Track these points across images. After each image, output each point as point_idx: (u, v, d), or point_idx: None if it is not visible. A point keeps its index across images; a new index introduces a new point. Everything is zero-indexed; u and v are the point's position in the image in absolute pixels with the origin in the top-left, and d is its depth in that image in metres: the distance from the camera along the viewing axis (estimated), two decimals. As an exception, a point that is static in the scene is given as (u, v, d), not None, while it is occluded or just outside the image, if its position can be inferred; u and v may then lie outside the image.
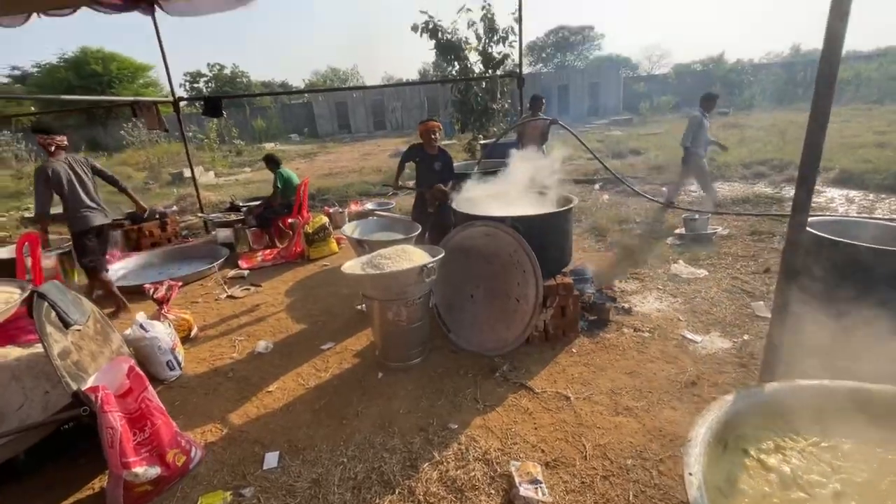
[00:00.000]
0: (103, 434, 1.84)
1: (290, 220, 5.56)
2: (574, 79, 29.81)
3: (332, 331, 3.49)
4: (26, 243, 3.26)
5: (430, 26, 10.74)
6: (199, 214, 6.88)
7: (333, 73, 40.31)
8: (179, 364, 3.00)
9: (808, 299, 3.38)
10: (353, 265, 2.77)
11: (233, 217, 6.11)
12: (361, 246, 3.31)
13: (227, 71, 32.60)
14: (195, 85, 32.53)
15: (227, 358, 3.20)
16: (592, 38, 37.60)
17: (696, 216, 5.01)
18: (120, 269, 5.11)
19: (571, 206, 3.21)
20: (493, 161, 5.43)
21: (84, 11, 5.22)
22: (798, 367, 2.52)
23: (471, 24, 10.62)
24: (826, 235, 3.18)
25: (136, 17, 5.59)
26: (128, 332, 2.81)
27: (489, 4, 10.45)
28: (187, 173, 10.42)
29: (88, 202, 3.85)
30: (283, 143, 23.95)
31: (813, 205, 5.70)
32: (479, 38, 10.82)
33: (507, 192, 3.69)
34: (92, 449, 2.12)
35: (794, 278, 1.59)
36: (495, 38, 10.73)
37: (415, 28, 10.74)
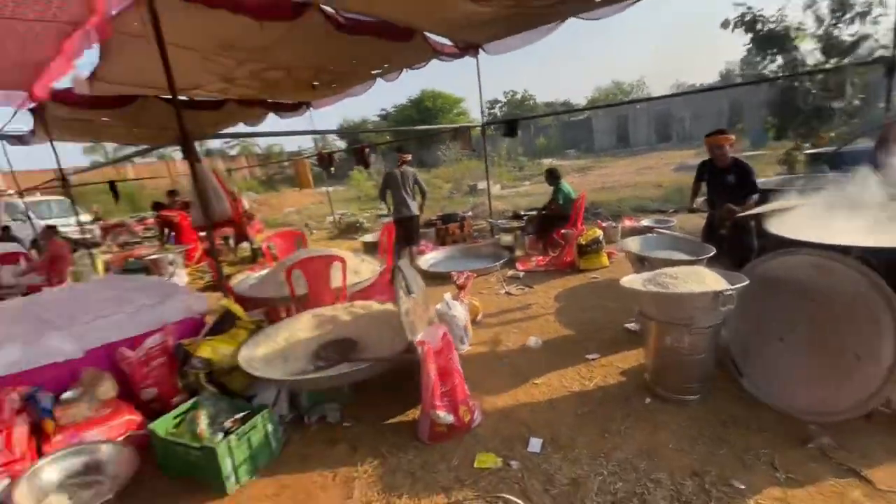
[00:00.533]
0: (423, 378, 2.45)
1: (563, 231, 5.84)
2: None
3: (598, 343, 3.48)
4: (386, 232, 4.62)
5: (748, 18, 9.15)
6: (489, 220, 8.05)
7: (617, 86, 39.43)
8: (468, 340, 3.63)
9: None
10: (632, 280, 2.71)
11: (514, 224, 6.89)
12: (642, 262, 3.19)
13: (517, 96, 36.64)
14: (492, 110, 37.97)
15: (502, 345, 3.66)
16: None
17: None
18: (432, 258, 6.55)
19: None
20: (825, 175, 4.24)
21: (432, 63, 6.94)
22: None
23: (810, 5, 8.49)
24: None
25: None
26: (438, 306, 3.61)
27: (844, -26, 8.12)
28: (481, 185, 12.34)
29: (406, 200, 5.67)
30: (560, 159, 25.10)
31: None
32: (820, 20, 8.54)
33: (854, 214, 2.81)
34: (409, 389, 2.86)
35: None
36: (847, 16, 8.23)
37: (725, 24, 9.39)
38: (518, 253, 6.40)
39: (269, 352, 2.91)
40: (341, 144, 30.43)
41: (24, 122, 6.69)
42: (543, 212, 6.41)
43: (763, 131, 11.80)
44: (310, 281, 3.46)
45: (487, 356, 3.52)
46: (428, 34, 5.74)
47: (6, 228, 8.32)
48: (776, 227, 2.79)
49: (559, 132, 30.97)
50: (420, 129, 15.61)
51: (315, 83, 6.83)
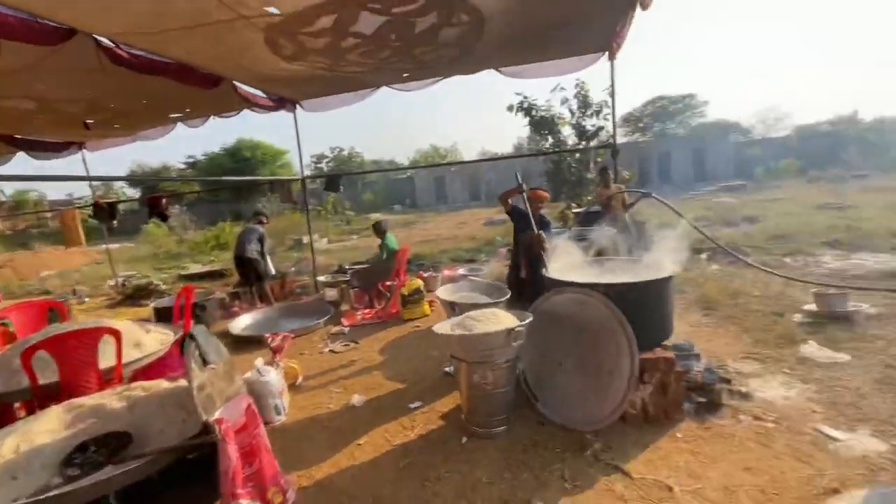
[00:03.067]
0: (221, 462, 2.08)
1: (388, 283, 5.99)
2: (675, 146, 28.84)
3: (421, 391, 3.57)
4: (183, 294, 3.97)
5: (525, 105, 11.46)
6: (314, 276, 7.72)
7: (434, 150, 44.05)
8: (284, 409, 3.29)
9: None
10: (443, 325, 2.90)
11: (340, 278, 6.77)
12: (452, 308, 3.45)
13: (345, 152, 37.47)
14: (318, 165, 37.76)
15: (324, 408, 3.43)
16: (694, 106, 36.43)
17: (832, 290, 4.36)
18: (246, 320, 5.86)
19: (670, 274, 3.05)
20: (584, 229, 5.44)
21: (245, 112, 6.59)
22: None
23: (564, 101, 11.12)
24: None
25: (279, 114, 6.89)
26: (248, 374, 3.20)
27: (583, 82, 10.94)
28: (305, 239, 11.88)
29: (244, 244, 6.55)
30: (387, 213, 26.19)
31: None
32: (572, 112, 11.24)
33: (603, 259, 3.64)
34: (205, 481, 2.39)
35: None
36: (588, 111, 11.05)
37: (510, 108, 11.54)
38: (344, 307, 6.26)
39: (-16, 471, 2.09)
40: (133, 192, 25.83)
41: None
42: (367, 265, 6.50)
43: (544, 194, 14.63)
44: (63, 364, 2.68)
45: (307, 423, 3.23)
46: (238, 84, 5.47)
47: None
48: (551, 272, 3.39)
49: (385, 188, 32.55)
50: (233, 179, 14.40)
51: (89, 120, 5.73)
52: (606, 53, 5.69)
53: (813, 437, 2.54)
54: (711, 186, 21.43)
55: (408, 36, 4.13)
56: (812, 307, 4.40)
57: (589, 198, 11.38)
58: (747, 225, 10.24)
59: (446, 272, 7.35)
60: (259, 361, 3.30)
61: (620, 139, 7.54)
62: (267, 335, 3.74)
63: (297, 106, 6.88)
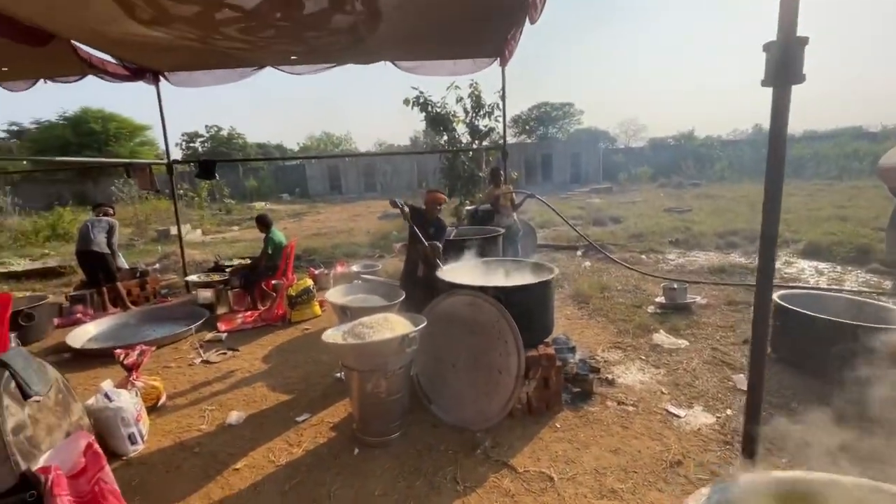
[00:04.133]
0: (48, 522, 1.69)
1: (273, 282, 5.53)
2: (556, 149, 31.59)
3: (310, 401, 3.35)
4: (-4, 304, 3.16)
5: (421, 100, 11.48)
6: (184, 275, 6.80)
7: (328, 137, 42.03)
8: (143, 437, 2.82)
9: (788, 373, 3.40)
10: (334, 334, 2.74)
11: (215, 277, 6.06)
12: (344, 313, 3.29)
13: (223, 132, 33.77)
14: (191, 144, 33.48)
15: (194, 430, 3.02)
16: (572, 114, 40.31)
17: (675, 285, 5.14)
18: (92, 330, 4.92)
19: (552, 276, 3.29)
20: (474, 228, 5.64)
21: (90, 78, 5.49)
22: (784, 446, 2.50)
23: (459, 100, 11.37)
24: (797, 309, 3.28)
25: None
26: (91, 401, 2.67)
27: (476, 83, 11.29)
28: (174, 230, 10.42)
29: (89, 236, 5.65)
30: (274, 203, 24.35)
31: (784, 275, 5.78)
32: (466, 112, 11.55)
33: (490, 262, 3.78)
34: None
35: (764, 353, 1.63)
36: (481, 112, 11.46)
37: (406, 102, 11.46)
38: (221, 310, 5.63)
39: None
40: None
41: None
42: (249, 261, 5.93)
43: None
44: None
45: (172, 450, 2.82)
46: (78, 44, 4.53)
47: None
48: (444, 275, 3.42)
49: (272, 175, 30.19)
50: (78, 161, 12.07)
51: None
52: (499, 59, 5.93)
53: (662, 416, 2.96)
54: (584, 188, 23.97)
55: (295, 17, 3.80)
56: (661, 299, 5.14)
57: (480, 195, 11.89)
58: (613, 224, 11.63)
59: (339, 269, 7.05)
60: (106, 384, 2.78)
61: (509, 140, 8.07)
62: (118, 351, 3.16)
63: (161, 78, 5.96)
